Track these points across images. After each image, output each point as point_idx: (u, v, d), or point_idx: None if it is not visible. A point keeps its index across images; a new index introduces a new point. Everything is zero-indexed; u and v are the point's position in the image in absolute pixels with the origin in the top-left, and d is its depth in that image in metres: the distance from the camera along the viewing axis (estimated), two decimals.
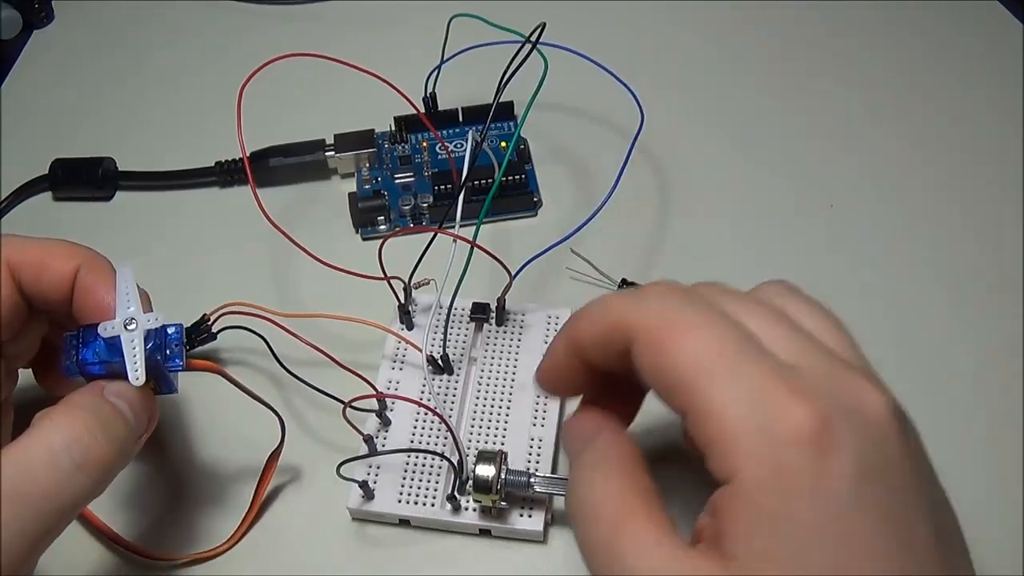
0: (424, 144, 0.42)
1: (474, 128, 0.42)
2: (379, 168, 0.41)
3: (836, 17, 0.48)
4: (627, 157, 0.34)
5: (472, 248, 0.30)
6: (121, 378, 0.25)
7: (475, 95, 0.42)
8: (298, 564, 0.31)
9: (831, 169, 0.41)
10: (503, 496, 0.29)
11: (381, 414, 0.32)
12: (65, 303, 0.27)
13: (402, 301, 0.34)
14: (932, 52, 0.46)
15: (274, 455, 0.31)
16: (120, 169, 0.42)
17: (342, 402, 0.29)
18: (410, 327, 0.35)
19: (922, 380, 0.34)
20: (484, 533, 0.31)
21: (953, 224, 0.39)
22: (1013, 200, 0.39)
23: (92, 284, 0.27)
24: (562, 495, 0.28)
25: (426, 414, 0.32)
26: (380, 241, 0.32)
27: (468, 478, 0.29)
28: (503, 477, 0.29)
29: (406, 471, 0.31)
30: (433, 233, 0.31)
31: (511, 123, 0.43)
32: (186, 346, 0.29)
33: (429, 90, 0.41)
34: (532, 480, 0.29)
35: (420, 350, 0.33)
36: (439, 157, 0.41)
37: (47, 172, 0.42)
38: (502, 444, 0.32)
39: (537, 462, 0.31)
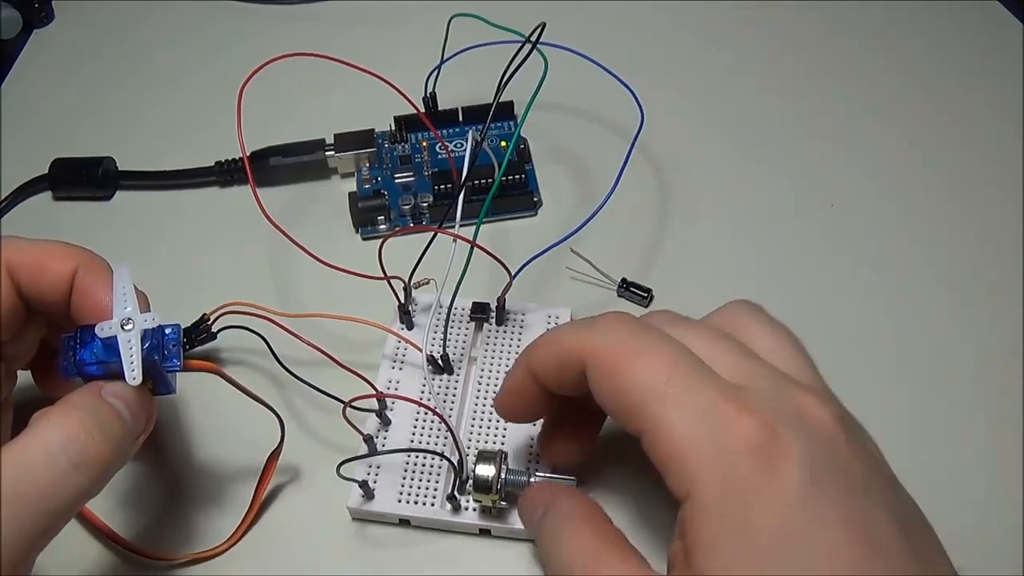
0: (424, 144, 0.42)
1: (474, 128, 0.42)
2: (379, 168, 0.41)
3: (836, 17, 0.48)
4: (627, 157, 0.34)
5: (472, 248, 0.30)
6: (119, 378, 0.25)
7: (475, 95, 0.42)
8: (298, 564, 0.31)
9: (831, 169, 0.41)
10: (503, 496, 0.29)
11: (381, 414, 0.32)
12: (63, 304, 0.27)
13: (402, 301, 0.34)
14: (932, 52, 0.46)
15: (274, 455, 0.31)
16: (120, 169, 0.42)
17: (342, 402, 0.29)
18: (410, 327, 0.35)
19: (922, 380, 0.34)
20: (484, 533, 0.31)
21: (953, 224, 0.39)
22: (1013, 200, 0.39)
23: (90, 285, 0.27)
24: None
25: (426, 414, 0.32)
26: (380, 241, 0.32)
27: (468, 478, 0.29)
28: (503, 477, 0.29)
29: (406, 471, 0.31)
30: (433, 233, 0.31)
31: (511, 123, 0.43)
32: (185, 346, 0.29)
33: (429, 90, 0.41)
34: (532, 480, 0.29)
35: (420, 350, 0.33)
36: (439, 157, 0.41)
37: (47, 172, 0.42)
38: (502, 444, 0.32)
39: (537, 462, 0.31)
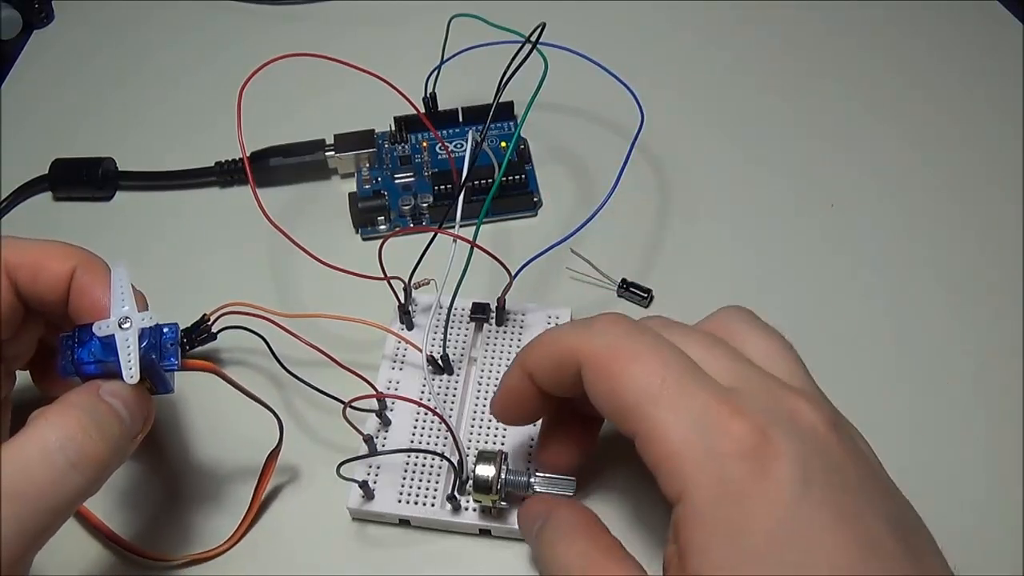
0: (424, 144, 0.42)
1: (474, 128, 0.42)
2: (379, 168, 0.41)
3: (836, 17, 0.48)
4: (627, 157, 0.34)
5: (472, 248, 0.30)
6: (117, 377, 0.25)
7: (475, 95, 0.42)
8: (298, 564, 0.31)
9: (831, 169, 0.41)
10: (503, 496, 0.29)
11: (381, 414, 0.32)
12: (61, 304, 0.27)
13: (402, 301, 0.34)
14: (932, 52, 0.46)
15: (273, 454, 0.31)
16: (120, 169, 0.42)
17: (342, 402, 0.29)
18: (410, 327, 0.35)
19: (922, 380, 0.34)
20: (484, 533, 0.31)
21: (953, 224, 0.39)
22: (1013, 200, 0.39)
23: (88, 284, 0.27)
24: (562, 495, 0.28)
25: (426, 414, 0.32)
26: (380, 241, 0.32)
27: (468, 478, 0.29)
28: (503, 477, 0.29)
29: (406, 471, 0.31)
30: (433, 233, 0.31)
31: (511, 123, 0.43)
32: (185, 346, 0.29)
33: (429, 90, 0.41)
34: (532, 480, 0.29)
35: (420, 350, 0.33)
36: (439, 157, 0.41)
37: (47, 172, 0.42)
38: (502, 444, 0.32)
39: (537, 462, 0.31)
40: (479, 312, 0.34)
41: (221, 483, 0.33)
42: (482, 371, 0.33)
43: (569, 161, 0.42)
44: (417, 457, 0.31)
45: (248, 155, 0.34)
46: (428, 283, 0.34)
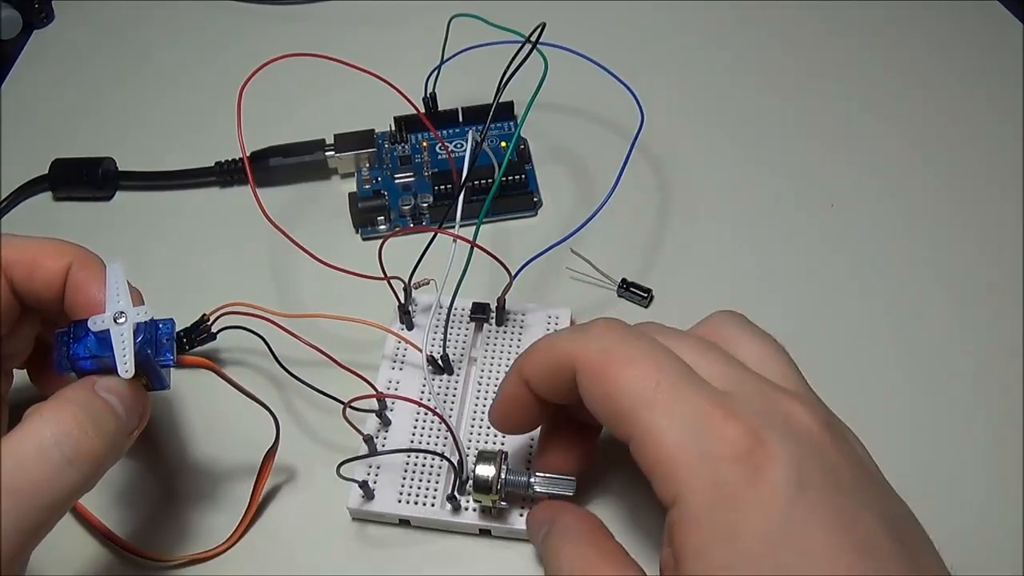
0: (424, 144, 0.42)
1: (474, 128, 0.42)
2: (379, 168, 0.41)
3: (836, 17, 0.48)
4: (627, 157, 0.34)
5: (472, 248, 0.30)
6: (113, 373, 0.25)
7: (475, 95, 0.42)
8: (298, 564, 0.31)
9: (831, 169, 0.41)
10: (503, 496, 0.29)
11: (381, 414, 0.32)
12: (57, 301, 0.27)
13: (402, 301, 0.34)
14: (932, 52, 0.46)
15: (270, 453, 0.31)
16: (120, 169, 0.42)
17: (342, 402, 0.29)
18: (410, 327, 0.35)
19: (922, 380, 0.34)
20: (484, 533, 0.31)
21: (953, 224, 0.39)
22: (1013, 200, 0.39)
23: (83, 281, 0.27)
24: (562, 495, 0.28)
25: (426, 414, 0.32)
26: (380, 241, 0.32)
27: (468, 478, 0.29)
28: (503, 477, 0.29)
29: (406, 471, 0.31)
30: (433, 233, 0.31)
31: (511, 123, 0.43)
32: (185, 346, 0.29)
33: (429, 90, 0.41)
34: (532, 480, 0.29)
35: (420, 350, 0.33)
36: (439, 157, 0.41)
37: (47, 172, 0.42)
38: (502, 444, 0.32)
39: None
40: (479, 312, 0.34)
41: (219, 482, 0.33)
42: (482, 371, 0.33)
43: (569, 161, 0.42)
44: (417, 457, 0.31)
45: (248, 155, 0.34)
46: (428, 283, 0.34)
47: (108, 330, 0.25)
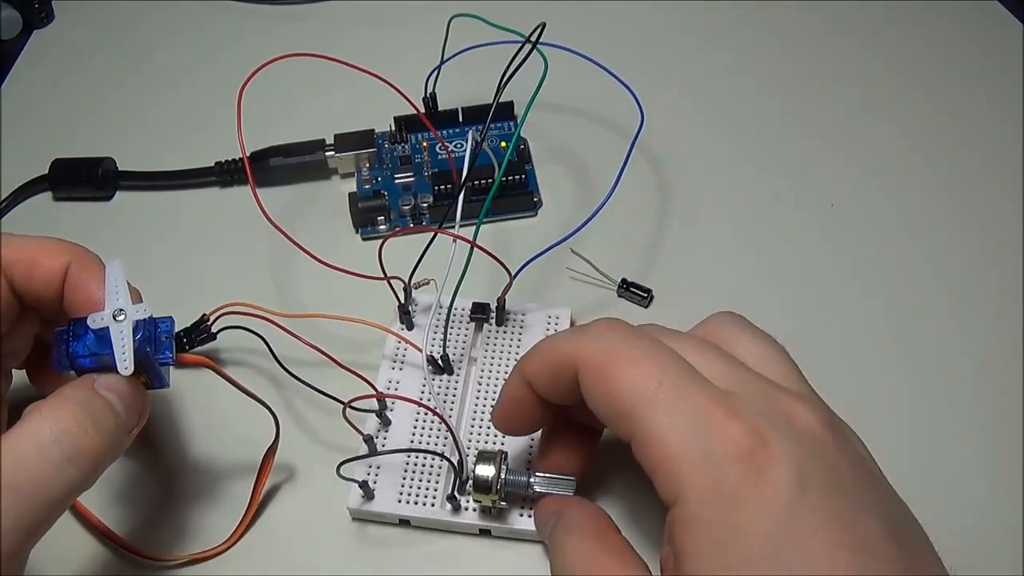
0: (424, 144, 0.42)
1: (474, 128, 0.42)
2: (379, 168, 0.41)
3: (836, 17, 0.48)
4: (627, 157, 0.34)
5: (472, 248, 0.30)
6: (112, 371, 0.25)
7: (475, 95, 0.42)
8: (298, 564, 0.31)
9: (831, 169, 0.41)
10: (503, 496, 0.29)
11: (381, 414, 0.32)
12: (56, 300, 0.27)
13: (402, 301, 0.34)
14: (932, 52, 0.46)
15: (270, 452, 0.31)
16: (120, 169, 0.42)
17: (342, 402, 0.29)
18: (410, 327, 0.35)
19: (922, 380, 0.34)
20: (484, 533, 0.31)
21: (953, 224, 0.39)
22: (1013, 200, 0.39)
23: (82, 280, 0.27)
24: (562, 494, 0.28)
25: (426, 414, 0.32)
26: (380, 241, 0.32)
27: (468, 478, 0.29)
28: (503, 477, 0.29)
29: (406, 471, 0.31)
30: (433, 233, 0.31)
31: (511, 123, 0.43)
32: (185, 346, 0.29)
33: (429, 90, 0.41)
34: (532, 480, 0.29)
35: (420, 350, 0.33)
36: (439, 157, 0.41)
37: (47, 172, 0.42)
38: (502, 444, 0.32)
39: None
40: (479, 312, 0.34)
41: (219, 481, 0.33)
42: (482, 371, 0.33)
43: (569, 161, 0.42)
44: (417, 457, 0.31)
45: (248, 155, 0.34)
46: (428, 283, 0.34)
47: (107, 328, 0.25)
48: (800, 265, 0.38)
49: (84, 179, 0.41)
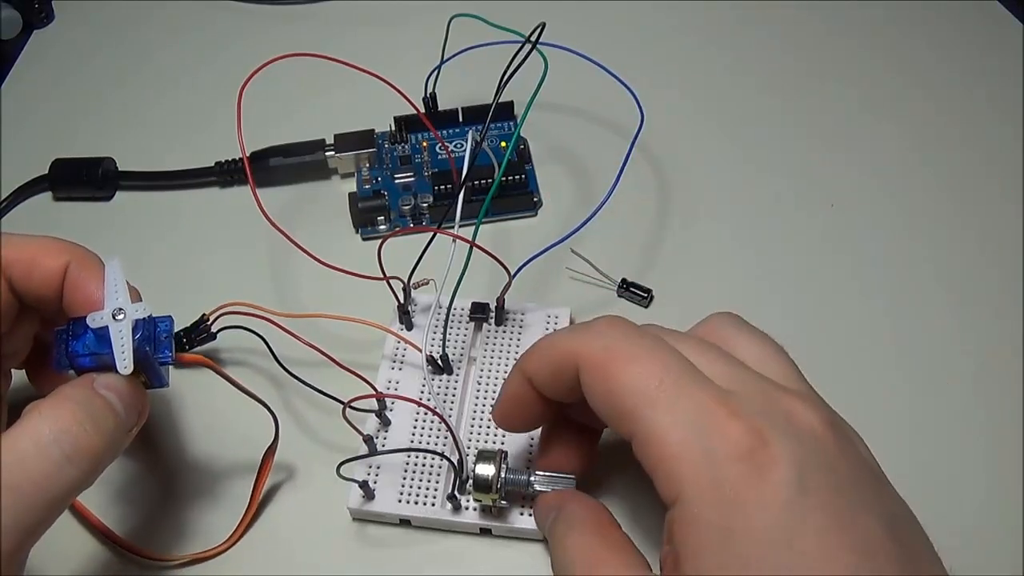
0: (424, 144, 0.42)
1: (474, 128, 0.42)
2: (379, 168, 0.41)
3: (836, 17, 0.48)
4: (627, 157, 0.34)
5: (472, 248, 0.30)
6: (111, 370, 0.25)
7: (475, 95, 0.42)
8: (298, 564, 0.31)
9: (831, 169, 0.41)
10: (503, 495, 0.29)
11: (381, 414, 0.32)
12: (55, 299, 0.27)
13: (402, 301, 0.34)
14: (932, 52, 0.46)
15: (270, 451, 0.31)
16: (120, 169, 0.42)
17: (342, 402, 0.29)
18: (410, 327, 0.35)
19: (922, 380, 0.34)
20: (485, 532, 0.31)
21: (953, 224, 0.39)
22: (1013, 200, 0.39)
23: (82, 279, 0.27)
24: None
25: (426, 414, 0.32)
26: (380, 241, 0.32)
27: (468, 477, 0.29)
28: (503, 476, 0.29)
29: (406, 471, 0.31)
30: (433, 233, 0.31)
31: (511, 123, 0.43)
32: (185, 346, 0.29)
33: (429, 90, 0.41)
34: (532, 479, 0.29)
35: (420, 350, 0.33)
36: (439, 157, 0.41)
37: (47, 172, 0.42)
38: (502, 443, 0.32)
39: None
40: (478, 312, 0.34)
41: (218, 480, 0.32)
42: (482, 371, 0.33)
43: (569, 161, 0.42)
44: (417, 457, 0.31)
45: (248, 155, 0.34)
46: (427, 283, 0.34)
47: (107, 327, 0.25)
48: (800, 265, 0.38)
49: (84, 179, 0.41)
